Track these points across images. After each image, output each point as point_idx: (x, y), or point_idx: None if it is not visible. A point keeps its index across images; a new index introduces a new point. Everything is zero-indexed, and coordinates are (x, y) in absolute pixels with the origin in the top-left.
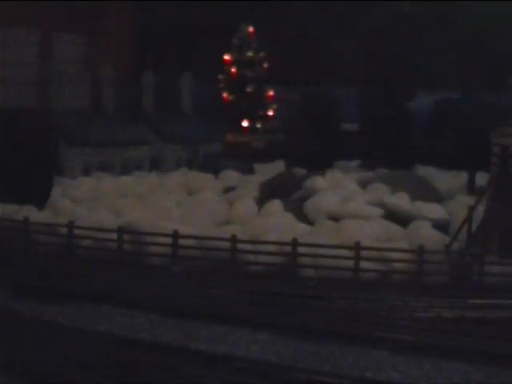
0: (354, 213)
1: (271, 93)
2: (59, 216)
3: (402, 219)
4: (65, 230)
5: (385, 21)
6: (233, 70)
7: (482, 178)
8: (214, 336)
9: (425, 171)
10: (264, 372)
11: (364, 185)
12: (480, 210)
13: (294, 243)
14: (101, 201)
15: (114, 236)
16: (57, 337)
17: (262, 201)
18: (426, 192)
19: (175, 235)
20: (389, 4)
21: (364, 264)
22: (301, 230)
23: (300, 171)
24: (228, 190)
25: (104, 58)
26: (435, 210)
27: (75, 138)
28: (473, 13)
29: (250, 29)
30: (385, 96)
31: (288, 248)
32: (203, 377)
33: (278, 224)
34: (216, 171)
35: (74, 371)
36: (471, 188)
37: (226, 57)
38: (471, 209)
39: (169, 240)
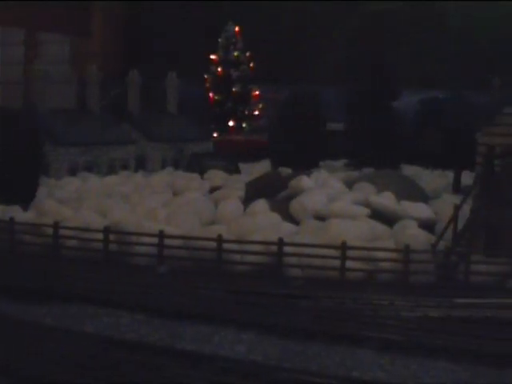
0: (339, 212)
1: (257, 92)
2: (45, 216)
3: (387, 219)
4: (50, 231)
5: (370, 20)
6: (219, 69)
7: (467, 178)
8: (200, 336)
9: (410, 170)
10: (250, 372)
11: (350, 184)
12: (466, 210)
13: (280, 243)
14: (86, 201)
15: (100, 236)
16: (43, 337)
17: (247, 200)
18: (412, 191)
19: (161, 235)
20: (375, 4)
21: (350, 263)
22: (287, 229)
23: (286, 171)
24: (214, 189)
25: (89, 57)
26: (421, 210)
27: (61, 137)
28: (459, 13)
29: (236, 29)
30: (370, 95)
31: (274, 248)
32: (189, 377)
33: (263, 224)
34: (202, 171)
35: (60, 372)
36: (457, 187)
37: (213, 56)
38: (457, 208)
39: (154, 240)
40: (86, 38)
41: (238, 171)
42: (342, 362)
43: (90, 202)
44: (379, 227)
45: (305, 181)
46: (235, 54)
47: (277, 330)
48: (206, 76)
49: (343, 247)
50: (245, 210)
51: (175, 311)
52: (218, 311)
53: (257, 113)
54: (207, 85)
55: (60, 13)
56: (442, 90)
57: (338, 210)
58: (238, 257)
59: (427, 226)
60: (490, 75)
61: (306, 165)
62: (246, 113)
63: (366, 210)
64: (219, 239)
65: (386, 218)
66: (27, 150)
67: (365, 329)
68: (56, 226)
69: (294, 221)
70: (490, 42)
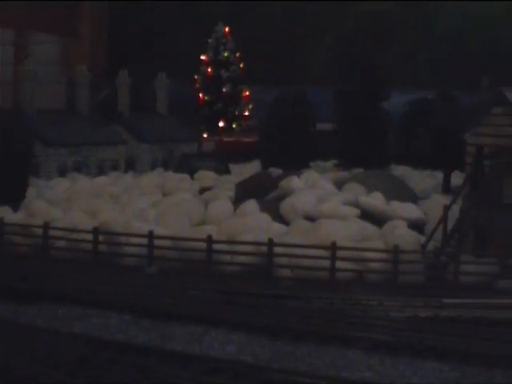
0: (329, 213)
1: (247, 93)
2: (34, 217)
3: (377, 219)
4: (40, 231)
5: (358, 21)
6: (209, 70)
7: (457, 178)
8: (190, 337)
9: (400, 171)
10: (240, 372)
11: (340, 185)
12: (455, 210)
13: (270, 243)
14: (76, 202)
15: (90, 237)
16: (32, 338)
17: (237, 201)
18: (402, 192)
19: (150, 236)
20: (363, 4)
21: (340, 264)
22: (277, 230)
23: (276, 171)
24: (204, 190)
25: (79, 58)
26: (411, 210)
27: (50, 138)
28: (448, 13)
29: (226, 29)
30: (360, 96)
31: (264, 248)
32: (179, 377)
33: (253, 224)
34: (192, 172)
35: (49, 372)
36: (446, 188)
37: (203, 57)
38: (446, 208)
39: (144, 241)
40: (76, 38)
41: (228, 172)
42: (331, 362)
43: (80, 202)
44: (369, 228)
45: (295, 181)
46: (225, 54)
47: (267, 331)
48: (196, 76)
49: (333, 248)
50: (235, 210)
51: (165, 312)
52: (208, 312)
53: (247, 113)
54: (197, 85)
55: (49, 13)
56: (432, 90)
57: (328, 211)
58: (228, 257)
59: (417, 226)
60: (484, 76)
61: (296, 165)
62: (236, 113)
63: (356, 211)
64: (209, 240)
65: (375, 218)
66: (17, 150)
67: (354, 329)
68: (46, 226)
69: (284, 221)
70: (484, 43)
